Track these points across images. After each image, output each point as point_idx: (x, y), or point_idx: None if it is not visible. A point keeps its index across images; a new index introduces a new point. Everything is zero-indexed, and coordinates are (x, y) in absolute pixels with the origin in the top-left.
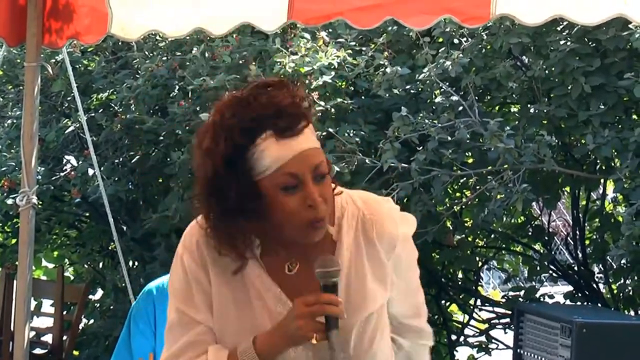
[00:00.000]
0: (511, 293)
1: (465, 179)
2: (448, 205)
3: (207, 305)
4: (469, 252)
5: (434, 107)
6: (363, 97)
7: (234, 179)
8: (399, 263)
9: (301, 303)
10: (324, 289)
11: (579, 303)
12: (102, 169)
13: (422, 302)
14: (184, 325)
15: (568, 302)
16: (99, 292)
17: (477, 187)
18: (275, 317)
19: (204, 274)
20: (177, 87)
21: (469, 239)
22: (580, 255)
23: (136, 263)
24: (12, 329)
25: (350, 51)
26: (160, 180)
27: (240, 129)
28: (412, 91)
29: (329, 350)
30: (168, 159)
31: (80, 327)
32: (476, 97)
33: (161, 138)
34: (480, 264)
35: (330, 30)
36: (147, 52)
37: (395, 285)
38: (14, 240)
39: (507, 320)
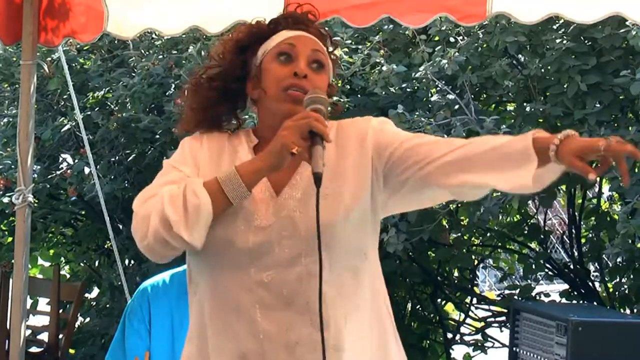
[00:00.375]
0: (507, 291)
1: None
2: (444, 203)
3: (194, 162)
4: (464, 250)
5: (430, 105)
6: (359, 95)
7: (242, 62)
8: (380, 135)
9: (288, 120)
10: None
11: (574, 301)
12: (98, 167)
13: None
14: (168, 172)
15: (564, 300)
16: (95, 291)
17: None
18: (257, 201)
19: (198, 143)
20: (173, 86)
21: (465, 237)
22: (576, 253)
23: (132, 261)
24: (8, 327)
25: (346, 49)
26: None
27: (259, 27)
28: (408, 89)
29: (312, 165)
30: (164, 158)
31: (76, 326)
32: (472, 96)
33: (157, 136)
34: (476, 262)
35: (326, 28)
36: (143, 51)
37: (388, 145)
38: (9, 239)
39: (503, 318)
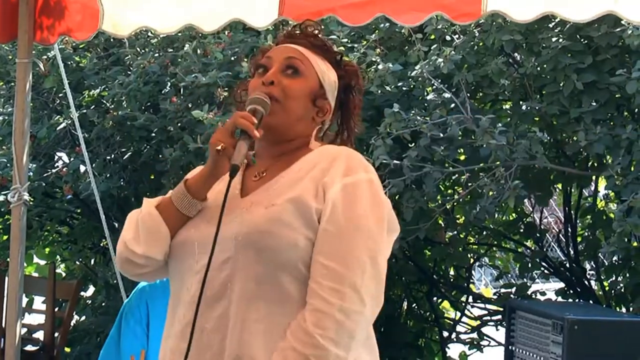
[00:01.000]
0: (503, 290)
1: (457, 175)
2: (440, 202)
3: None
4: (460, 249)
5: (425, 104)
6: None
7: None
8: (349, 199)
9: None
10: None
11: (570, 300)
12: (93, 165)
13: (357, 256)
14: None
15: (560, 299)
16: (91, 289)
17: (469, 184)
18: (215, 204)
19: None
20: (169, 84)
21: (461, 235)
22: (572, 252)
23: None
24: (3, 325)
25: (342, 48)
26: (152, 177)
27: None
28: (404, 88)
29: (232, 158)
30: (160, 156)
31: (72, 324)
32: (468, 94)
33: (153, 135)
34: (471, 260)
35: (322, 27)
36: (138, 49)
37: (324, 231)
38: (5, 237)
39: (499, 317)
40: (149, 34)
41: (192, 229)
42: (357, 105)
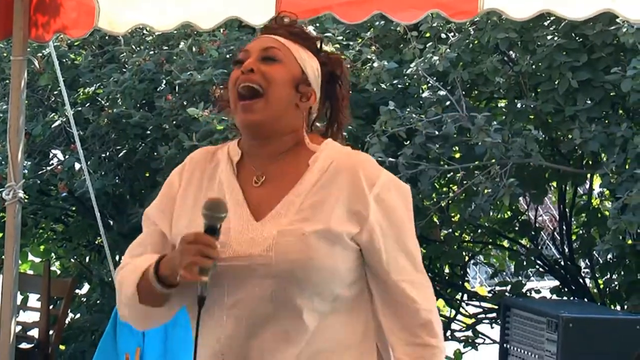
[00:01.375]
0: (498, 288)
1: (452, 173)
2: (435, 199)
3: (169, 209)
4: (455, 247)
5: (421, 102)
6: (350, 92)
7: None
8: (386, 208)
9: (183, 238)
10: (205, 229)
11: (565, 298)
12: (88, 163)
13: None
14: (144, 224)
15: (554, 297)
16: (86, 287)
17: (464, 182)
18: (229, 217)
19: (178, 179)
20: (164, 82)
21: (456, 233)
22: (566, 250)
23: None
24: None
25: (337, 45)
26: (147, 175)
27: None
28: (399, 85)
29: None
30: (155, 153)
31: (67, 322)
32: (463, 92)
33: (148, 132)
34: (467, 258)
35: (317, 24)
36: (134, 46)
37: (384, 233)
38: (0, 235)
39: (494, 315)
40: (144, 31)
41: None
42: (344, 96)
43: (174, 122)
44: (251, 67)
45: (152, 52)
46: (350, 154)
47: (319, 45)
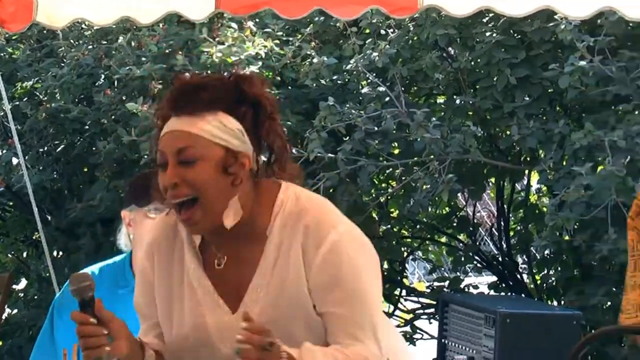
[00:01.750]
0: (436, 283)
1: (391, 169)
2: (374, 195)
3: (151, 296)
4: (394, 242)
5: (360, 98)
6: (290, 87)
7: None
8: (328, 268)
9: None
10: (80, 306)
11: (502, 293)
12: (26, 158)
13: (366, 322)
14: (140, 318)
15: (492, 292)
16: (23, 282)
17: (403, 178)
18: (203, 310)
19: (149, 265)
20: (103, 76)
21: (395, 229)
22: (504, 246)
23: (60, 253)
24: None
25: (277, 41)
26: (86, 170)
27: (161, 107)
28: (339, 81)
29: None
30: (93, 148)
31: (4, 317)
32: (402, 88)
33: (86, 127)
34: (405, 254)
35: (257, 20)
36: (72, 41)
37: (324, 291)
38: None
39: (432, 310)
40: (83, 26)
41: (195, 318)
42: (272, 128)
43: (113, 117)
44: (174, 181)
45: (90, 47)
46: (301, 215)
47: (235, 89)
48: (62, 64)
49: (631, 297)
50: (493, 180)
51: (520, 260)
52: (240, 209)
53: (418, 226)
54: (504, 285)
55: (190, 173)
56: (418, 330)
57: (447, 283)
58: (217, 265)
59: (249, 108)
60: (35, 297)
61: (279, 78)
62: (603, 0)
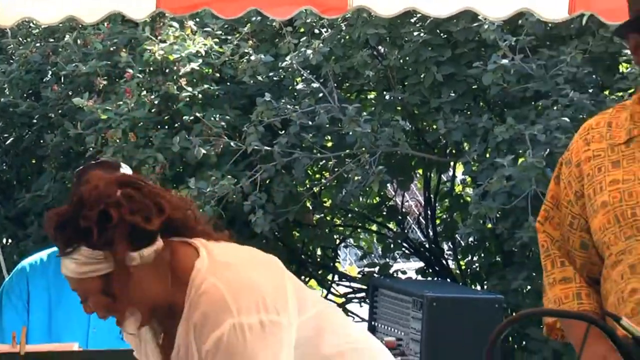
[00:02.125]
0: (367, 269)
1: (324, 161)
2: (308, 186)
3: None
4: (327, 230)
5: (295, 93)
6: (229, 84)
7: None
8: None
9: None
10: None
11: (429, 278)
12: None
13: None
14: None
15: (419, 277)
16: None
17: (336, 169)
18: None
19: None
20: (50, 73)
21: (328, 218)
22: (431, 233)
23: (10, 240)
24: None
25: (216, 40)
26: (34, 161)
27: None
28: (275, 78)
29: None
30: (41, 141)
31: None
32: (335, 84)
33: (35, 121)
34: (337, 241)
35: (197, 19)
36: (21, 39)
37: None
38: None
39: (363, 294)
40: (31, 24)
41: None
42: (136, 205)
43: (60, 112)
44: (91, 314)
45: (38, 45)
46: (194, 308)
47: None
48: (11, 61)
49: (551, 296)
50: (420, 171)
51: (445, 247)
52: (139, 316)
53: (350, 215)
54: (430, 270)
55: (91, 306)
56: (349, 313)
57: (377, 269)
58: (159, 341)
59: (94, 225)
60: None
61: (218, 75)
62: (520, 2)
